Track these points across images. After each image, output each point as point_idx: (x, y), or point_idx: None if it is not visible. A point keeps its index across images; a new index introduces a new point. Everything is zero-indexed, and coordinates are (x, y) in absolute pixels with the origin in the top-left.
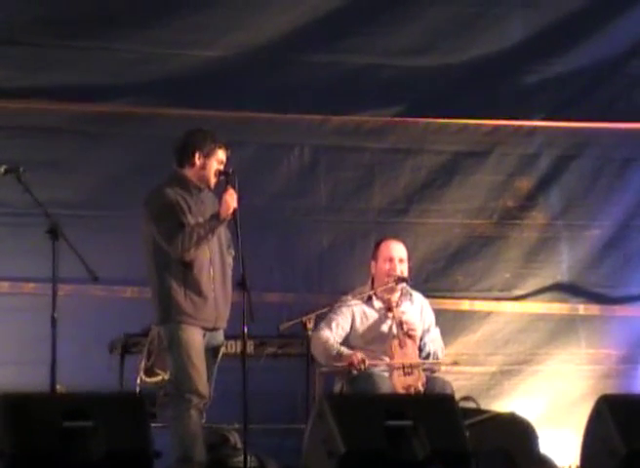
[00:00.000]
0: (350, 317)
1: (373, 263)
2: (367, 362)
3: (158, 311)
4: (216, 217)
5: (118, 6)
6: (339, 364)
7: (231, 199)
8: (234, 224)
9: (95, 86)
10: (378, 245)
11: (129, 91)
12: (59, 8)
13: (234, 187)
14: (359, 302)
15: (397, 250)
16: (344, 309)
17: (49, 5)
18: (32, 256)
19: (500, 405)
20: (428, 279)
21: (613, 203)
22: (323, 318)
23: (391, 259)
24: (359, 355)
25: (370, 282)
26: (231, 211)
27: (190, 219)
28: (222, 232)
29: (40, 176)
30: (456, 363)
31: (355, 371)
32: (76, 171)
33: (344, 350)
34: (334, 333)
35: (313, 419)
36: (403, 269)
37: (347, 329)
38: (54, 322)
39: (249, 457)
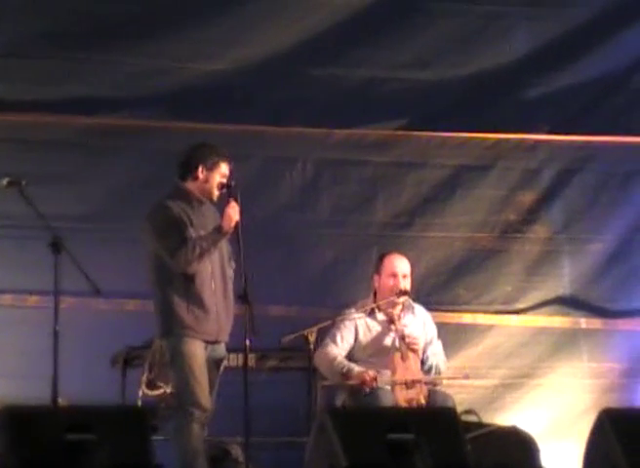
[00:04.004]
0: (354, 330)
1: (376, 277)
2: (378, 379)
3: (160, 324)
4: (218, 230)
5: (123, 19)
6: (349, 382)
7: (233, 212)
8: (236, 237)
9: (99, 99)
10: (381, 259)
11: (133, 104)
12: (63, 21)
13: (237, 200)
14: (362, 315)
15: (401, 265)
16: (348, 322)
17: (53, 18)
18: (35, 269)
19: (502, 418)
20: (431, 292)
21: (615, 217)
22: (326, 331)
23: (395, 275)
24: (371, 373)
25: (372, 295)
26: (233, 224)
27: (192, 233)
28: (224, 245)
29: (43, 190)
30: (466, 376)
31: (368, 389)
32: (80, 184)
33: (355, 367)
34: (340, 349)
35: (315, 433)
36: (406, 284)
37: (352, 341)
38: (56, 335)
39: None
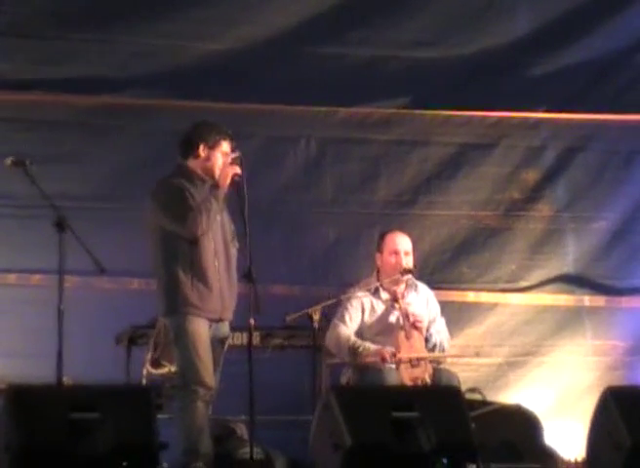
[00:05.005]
0: (361, 309)
1: (378, 255)
2: (397, 355)
3: (164, 303)
4: (214, 186)
5: None
6: (368, 360)
7: (230, 168)
8: (241, 216)
9: (101, 78)
10: (383, 237)
11: (135, 83)
12: (65, 1)
13: (241, 166)
14: (366, 294)
15: (402, 242)
16: (354, 301)
17: None
18: (39, 249)
19: (506, 396)
20: (434, 270)
21: (619, 195)
22: (331, 310)
23: (397, 252)
24: (389, 349)
25: (375, 274)
26: (229, 180)
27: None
28: (227, 224)
29: (47, 169)
30: (477, 354)
31: (387, 365)
32: (83, 163)
33: (370, 345)
34: (350, 328)
35: (320, 411)
36: (408, 261)
37: (359, 321)
38: (60, 314)
39: (255, 449)
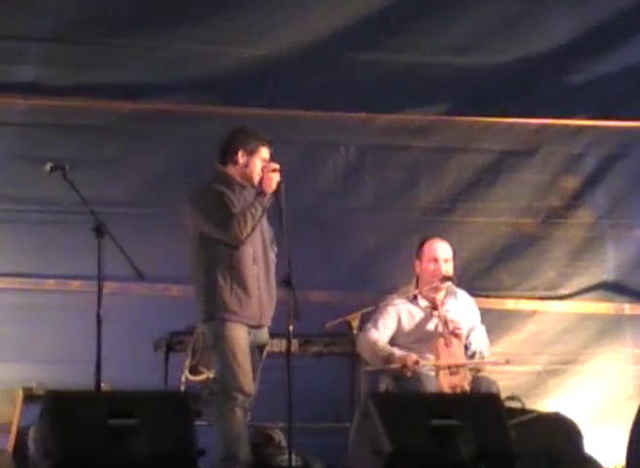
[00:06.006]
0: (396, 316)
1: (417, 263)
2: (420, 363)
3: (203, 309)
4: (260, 194)
5: (164, 4)
6: (391, 366)
7: (274, 173)
8: (280, 222)
9: (141, 84)
10: (422, 244)
11: (175, 89)
12: (104, 6)
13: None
14: (404, 301)
15: (442, 250)
16: (390, 308)
17: (95, 3)
18: (78, 254)
19: (546, 404)
20: (474, 278)
21: None
22: (369, 317)
23: (436, 260)
24: (413, 356)
25: (415, 281)
26: (274, 185)
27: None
28: (266, 229)
29: (86, 175)
30: (507, 362)
31: (409, 373)
32: (122, 169)
33: (397, 351)
34: (381, 334)
35: (358, 418)
36: (448, 269)
37: (394, 328)
38: (99, 320)
39: (293, 456)
